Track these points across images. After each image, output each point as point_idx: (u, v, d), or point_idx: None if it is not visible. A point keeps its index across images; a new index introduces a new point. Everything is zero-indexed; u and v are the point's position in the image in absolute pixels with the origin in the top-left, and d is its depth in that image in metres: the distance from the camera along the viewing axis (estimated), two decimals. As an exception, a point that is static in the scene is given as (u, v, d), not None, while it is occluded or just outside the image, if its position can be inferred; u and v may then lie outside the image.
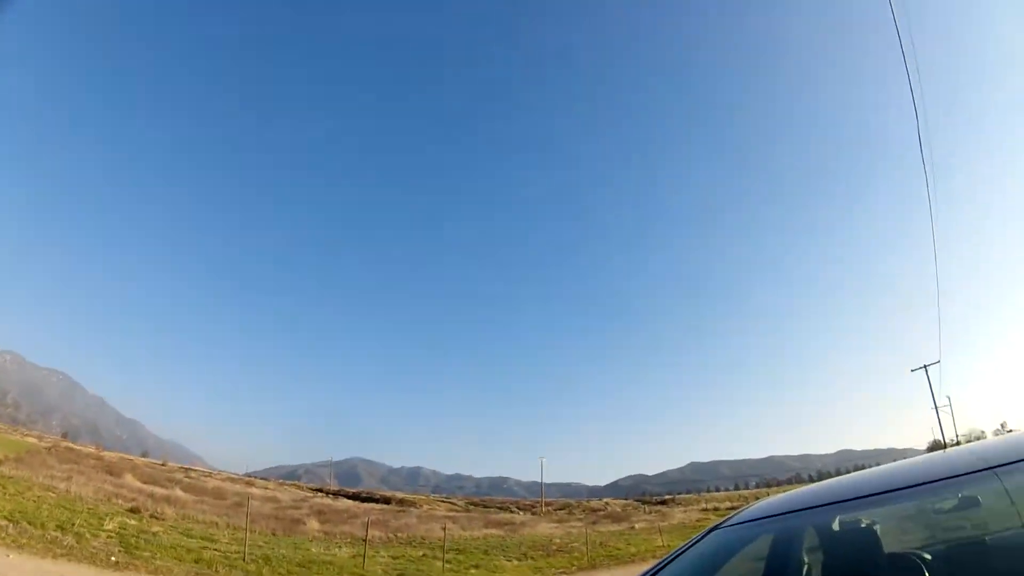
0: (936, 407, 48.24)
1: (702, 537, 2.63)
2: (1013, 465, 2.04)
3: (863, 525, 2.39)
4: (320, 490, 59.48)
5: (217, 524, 25.81)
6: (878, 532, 2.33)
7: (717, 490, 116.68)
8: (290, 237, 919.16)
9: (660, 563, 2.52)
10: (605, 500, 71.43)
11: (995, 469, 2.01)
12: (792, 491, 2.98)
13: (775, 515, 2.55)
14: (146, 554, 16.67)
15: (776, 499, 2.85)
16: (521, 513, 57.32)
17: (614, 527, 44.75)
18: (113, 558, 15.53)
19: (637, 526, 44.87)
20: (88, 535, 17.16)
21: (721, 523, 2.73)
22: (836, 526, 2.38)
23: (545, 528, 42.74)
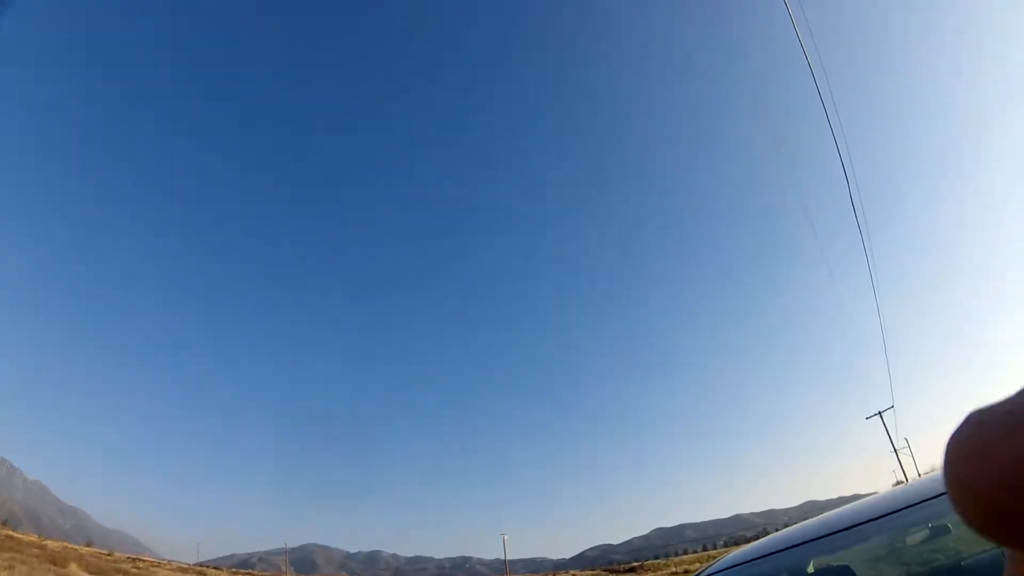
0: (895, 449, 49.59)
1: None
2: None
3: (836, 565, 2.43)
4: (275, 578, 56.51)
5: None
6: (853, 569, 2.36)
7: (684, 552, 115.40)
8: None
9: None
10: (572, 572, 69.76)
11: None
12: (765, 538, 2.96)
13: (754, 559, 2.57)
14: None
15: (751, 547, 2.87)
16: (487, 591, 55.49)
17: (584, 599, 43.80)
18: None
19: (607, 597, 43.98)
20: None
21: (699, 573, 2.70)
22: (811, 568, 2.41)
23: (513, 605, 41.46)
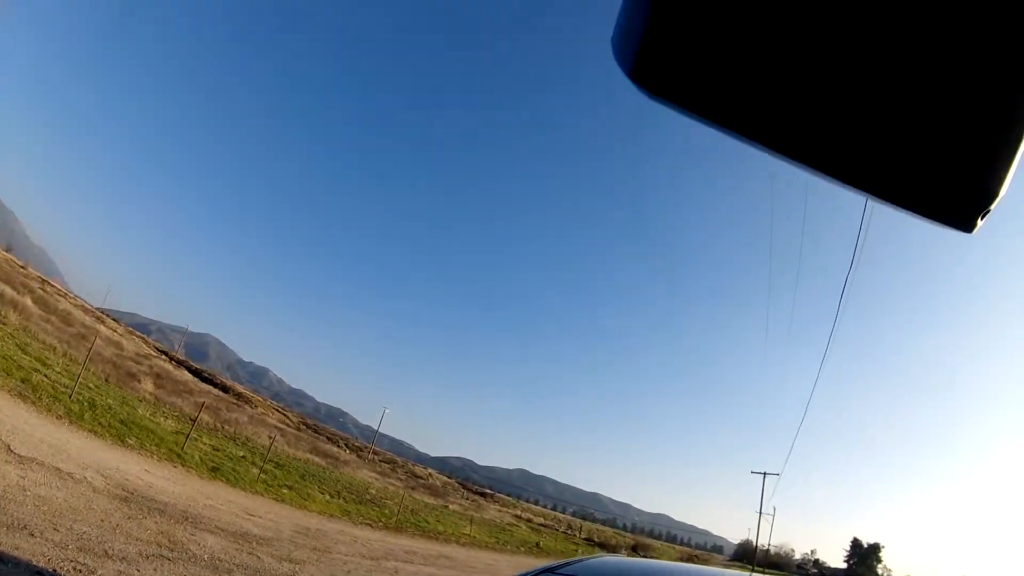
0: (761, 512, 51.80)
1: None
2: None
3: None
4: (165, 353, 57.06)
5: (55, 349, 24.61)
6: None
7: (536, 503, 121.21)
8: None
9: None
10: (429, 470, 72.79)
11: None
12: (623, 561, 3.07)
13: None
14: (-27, 353, 15.94)
15: (610, 561, 2.87)
16: (347, 452, 57.59)
17: (430, 499, 45.88)
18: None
19: (451, 507, 46.09)
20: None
21: (554, 567, 2.63)
22: None
23: (366, 475, 43.33)
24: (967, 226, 0.50)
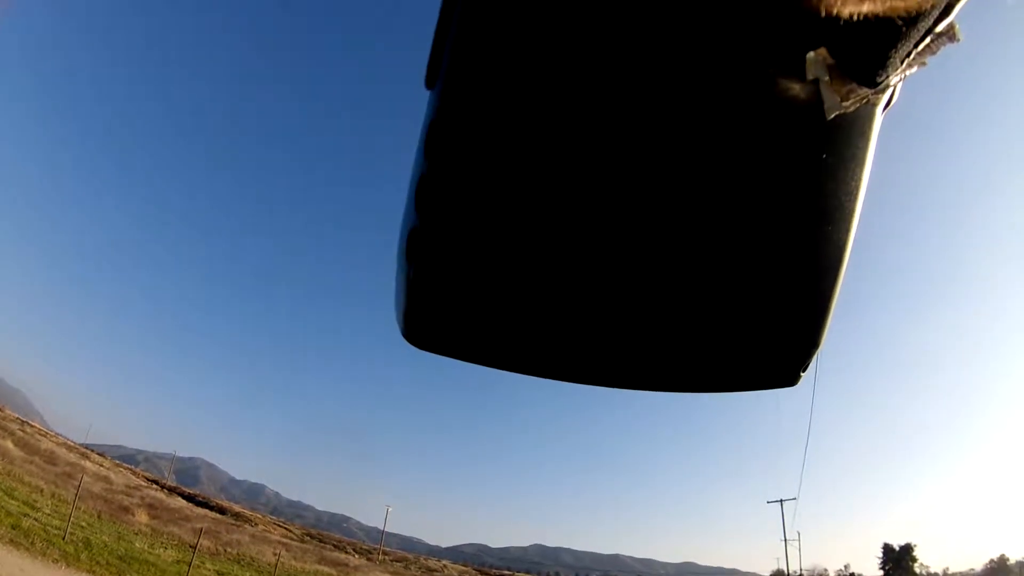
0: (786, 540, 50.61)
1: None
2: None
3: None
4: (156, 482, 55.20)
5: (42, 491, 23.77)
6: None
7: (558, 575, 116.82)
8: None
9: None
10: (444, 562, 70.08)
11: None
12: None
13: None
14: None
15: None
16: (357, 556, 55.44)
17: (448, 591, 44.16)
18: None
19: (472, 595, 44.41)
20: None
21: None
22: None
23: (379, 577, 41.69)
24: (791, 381, 0.49)
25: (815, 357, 0.45)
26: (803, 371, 0.47)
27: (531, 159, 0.39)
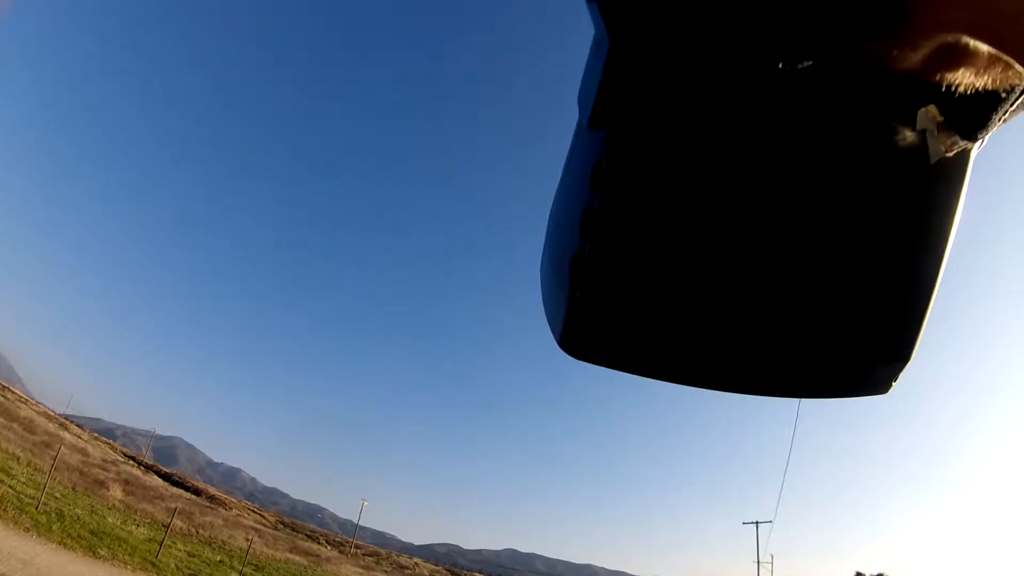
0: (759, 562, 51.07)
1: None
2: None
3: None
4: (133, 458, 54.76)
5: (18, 458, 23.62)
6: None
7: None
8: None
9: None
10: (416, 560, 69.86)
11: None
12: None
13: None
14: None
15: None
16: (328, 548, 55.26)
17: (417, 590, 44.14)
18: None
19: (441, 596, 44.41)
20: None
21: None
22: None
23: (350, 570, 41.63)
24: (884, 389, 0.53)
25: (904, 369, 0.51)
26: (895, 381, 0.52)
27: (689, 203, 0.44)
